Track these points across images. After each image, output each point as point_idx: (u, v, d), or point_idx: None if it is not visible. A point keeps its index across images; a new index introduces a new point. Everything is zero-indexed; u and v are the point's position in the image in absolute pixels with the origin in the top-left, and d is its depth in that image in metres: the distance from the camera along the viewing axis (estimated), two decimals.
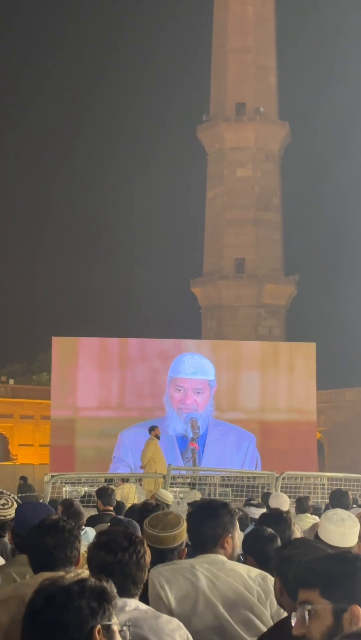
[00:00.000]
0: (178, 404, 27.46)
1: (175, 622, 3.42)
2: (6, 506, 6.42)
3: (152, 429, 19.35)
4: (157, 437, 19.04)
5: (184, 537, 4.64)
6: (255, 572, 4.16)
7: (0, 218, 70.83)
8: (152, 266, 70.11)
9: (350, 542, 4.76)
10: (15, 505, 6.48)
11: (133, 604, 3.34)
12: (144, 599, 3.70)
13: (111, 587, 2.51)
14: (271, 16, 52.76)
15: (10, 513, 6.34)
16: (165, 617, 3.40)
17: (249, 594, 4.00)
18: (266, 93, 51.73)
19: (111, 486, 13.88)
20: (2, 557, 5.69)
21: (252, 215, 50.81)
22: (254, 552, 4.91)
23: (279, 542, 5.11)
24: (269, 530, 5.32)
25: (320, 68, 70.15)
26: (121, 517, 7.09)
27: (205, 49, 54.45)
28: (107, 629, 2.43)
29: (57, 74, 73.60)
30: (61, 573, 2.62)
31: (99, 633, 2.40)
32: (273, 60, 52.84)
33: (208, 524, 4.12)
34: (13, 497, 7.04)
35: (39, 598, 2.47)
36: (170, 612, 3.84)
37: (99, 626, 2.40)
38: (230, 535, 4.19)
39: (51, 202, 70.82)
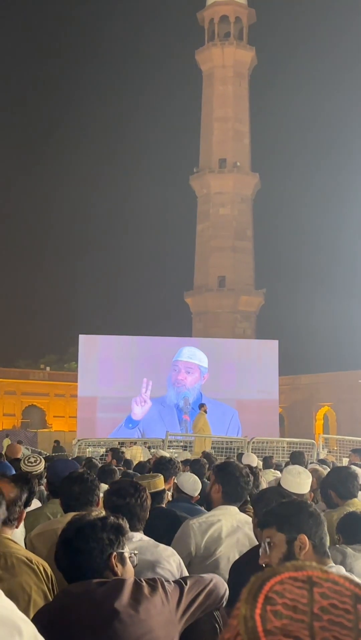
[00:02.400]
0: (173, 379, 27.60)
1: (170, 550, 3.42)
2: (37, 462, 6.40)
3: (201, 405, 18.93)
4: (205, 412, 18.45)
5: (163, 485, 4.69)
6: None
7: (41, 239, 70.86)
8: (156, 282, 70.27)
9: (303, 489, 4.81)
10: (43, 462, 6.46)
11: (138, 536, 3.34)
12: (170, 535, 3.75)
13: (125, 523, 2.54)
14: (245, 93, 52.90)
15: (40, 468, 6.31)
16: (162, 546, 3.40)
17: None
18: (241, 151, 51.79)
19: (122, 448, 13.84)
20: (40, 500, 5.69)
21: (231, 244, 50.85)
22: None
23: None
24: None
25: (282, 132, 70.39)
26: (130, 471, 7.08)
27: (196, 118, 54.67)
28: (121, 556, 2.45)
29: (68, 131, 73.57)
30: (97, 511, 2.64)
31: (114, 559, 2.42)
32: (247, 126, 52.95)
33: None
34: (41, 456, 7.01)
35: (70, 529, 2.49)
36: (197, 545, 3.90)
37: (115, 553, 2.43)
38: None
39: (92, 238, 70.96)
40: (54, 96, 76.94)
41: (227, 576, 3.83)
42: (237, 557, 3.93)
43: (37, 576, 2.89)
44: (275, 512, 2.71)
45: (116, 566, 2.41)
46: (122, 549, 2.46)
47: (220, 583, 2.71)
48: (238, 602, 0.75)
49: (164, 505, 4.66)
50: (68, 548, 2.44)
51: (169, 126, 71.81)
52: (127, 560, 2.48)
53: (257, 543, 3.97)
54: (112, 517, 2.51)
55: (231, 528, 3.99)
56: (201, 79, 53.76)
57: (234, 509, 4.08)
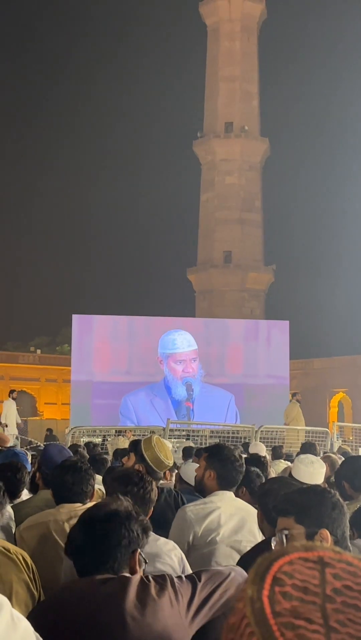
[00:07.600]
0: (181, 373, 27.39)
1: (171, 544, 3.44)
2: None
3: (294, 394, 21.60)
4: (299, 401, 20.42)
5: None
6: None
7: (38, 216, 70.67)
8: (156, 258, 70.20)
9: (317, 480, 4.86)
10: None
11: None
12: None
13: (149, 523, 2.54)
14: (254, 50, 52.49)
15: None
16: (163, 539, 3.42)
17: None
18: (250, 114, 51.50)
19: (120, 436, 13.89)
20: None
21: (238, 216, 50.70)
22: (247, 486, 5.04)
23: (263, 479, 5.20)
24: (257, 470, 5.43)
25: (293, 94, 69.94)
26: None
27: (200, 77, 54.23)
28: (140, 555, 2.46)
29: (62, 92, 73.14)
30: (91, 503, 2.62)
31: (139, 555, 2.41)
32: (256, 86, 52.60)
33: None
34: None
35: (100, 511, 2.42)
36: (195, 533, 3.95)
37: (140, 550, 2.42)
38: None
39: (82, 208, 70.65)
40: (42, 71, 76.37)
41: (224, 563, 3.88)
42: (234, 543, 3.97)
43: (16, 566, 2.91)
44: (295, 500, 2.70)
45: (138, 564, 2.40)
46: (142, 547, 2.46)
47: (240, 576, 2.66)
48: (244, 584, 0.75)
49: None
50: (93, 530, 2.37)
51: (170, 87, 71.30)
52: (141, 559, 2.47)
53: (256, 530, 4.01)
54: (141, 515, 2.50)
55: (229, 514, 4.04)
56: (206, 34, 53.34)
57: (230, 495, 4.15)
